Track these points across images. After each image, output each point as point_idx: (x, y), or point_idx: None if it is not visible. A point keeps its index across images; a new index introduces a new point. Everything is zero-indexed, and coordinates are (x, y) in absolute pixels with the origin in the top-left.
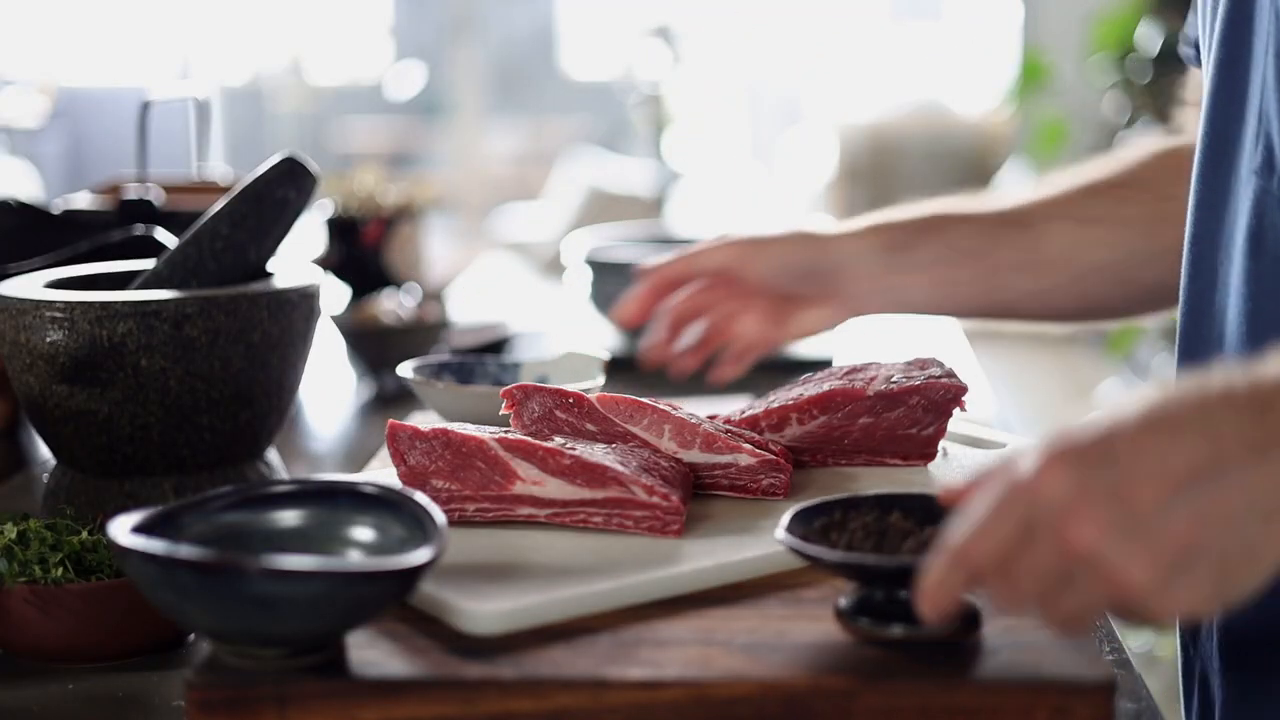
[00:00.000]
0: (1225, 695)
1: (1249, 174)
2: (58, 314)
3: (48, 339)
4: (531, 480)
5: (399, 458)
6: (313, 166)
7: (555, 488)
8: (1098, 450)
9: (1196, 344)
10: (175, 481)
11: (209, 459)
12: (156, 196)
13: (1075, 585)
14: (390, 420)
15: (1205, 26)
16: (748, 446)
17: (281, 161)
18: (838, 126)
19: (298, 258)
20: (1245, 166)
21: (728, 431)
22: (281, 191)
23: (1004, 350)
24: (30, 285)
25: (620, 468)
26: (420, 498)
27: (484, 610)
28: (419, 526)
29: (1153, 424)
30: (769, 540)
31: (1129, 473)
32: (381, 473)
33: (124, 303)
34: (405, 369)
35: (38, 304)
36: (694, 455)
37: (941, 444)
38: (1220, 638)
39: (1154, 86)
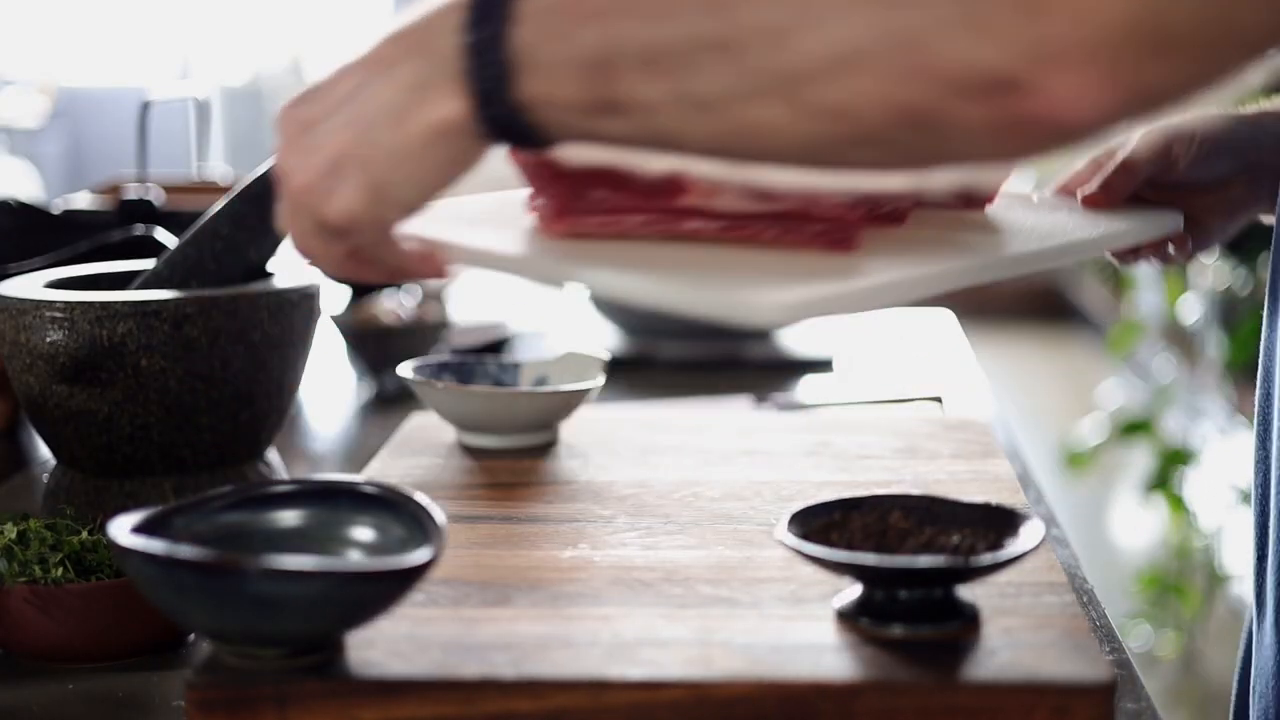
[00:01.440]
0: None
1: None
2: (58, 314)
3: (48, 339)
4: (704, 193)
5: (542, 185)
6: None
7: (730, 200)
8: (305, 94)
9: None
10: (175, 481)
11: (209, 459)
12: (156, 196)
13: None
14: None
15: None
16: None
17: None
18: None
19: (298, 258)
20: None
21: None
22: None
23: (1004, 350)
24: (30, 285)
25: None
26: (420, 498)
27: (771, 300)
28: (419, 526)
29: (341, 65)
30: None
31: (306, 102)
32: (381, 473)
33: (124, 303)
34: (405, 369)
35: (38, 304)
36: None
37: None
38: None
39: None
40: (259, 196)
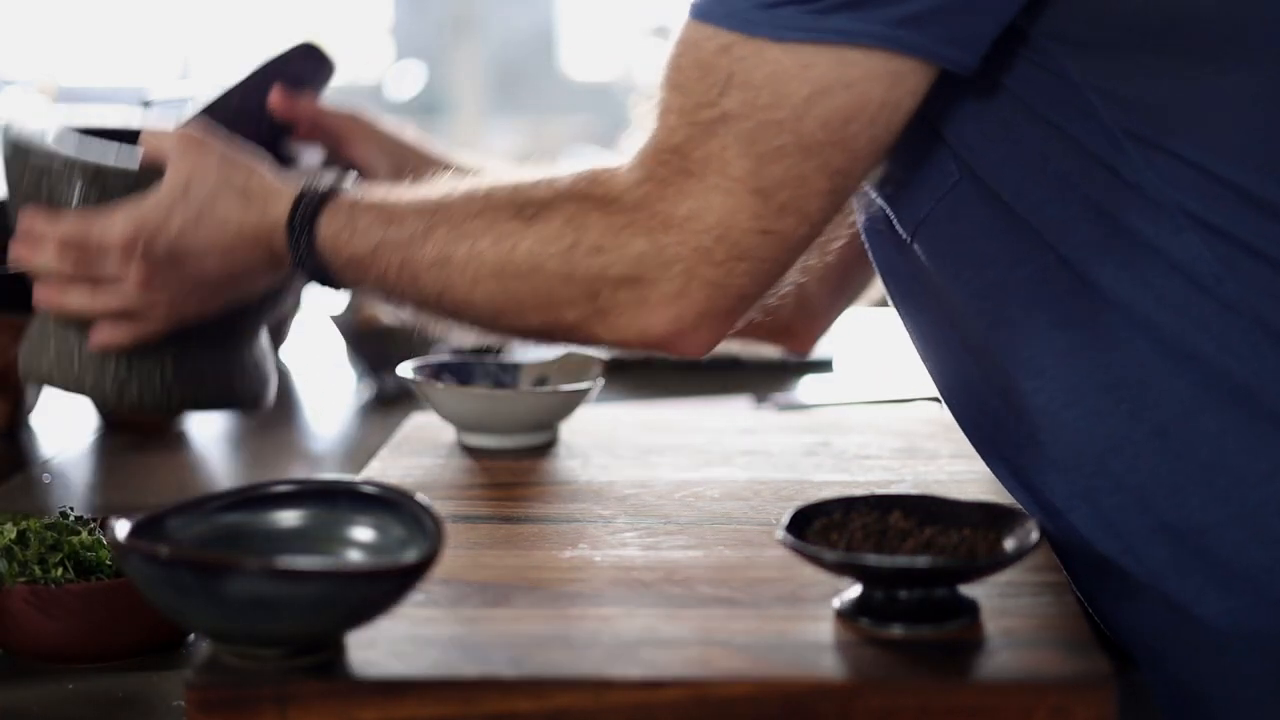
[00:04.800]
0: None
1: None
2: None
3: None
4: None
5: None
6: (332, 55)
7: None
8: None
9: None
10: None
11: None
12: None
13: None
14: None
15: None
16: None
17: (300, 45)
18: None
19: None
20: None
21: None
22: (297, 70)
23: None
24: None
25: None
26: (420, 498)
27: None
28: (419, 526)
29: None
30: None
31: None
32: (381, 473)
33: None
34: (405, 369)
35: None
36: None
37: None
38: None
39: None
40: (274, 75)
